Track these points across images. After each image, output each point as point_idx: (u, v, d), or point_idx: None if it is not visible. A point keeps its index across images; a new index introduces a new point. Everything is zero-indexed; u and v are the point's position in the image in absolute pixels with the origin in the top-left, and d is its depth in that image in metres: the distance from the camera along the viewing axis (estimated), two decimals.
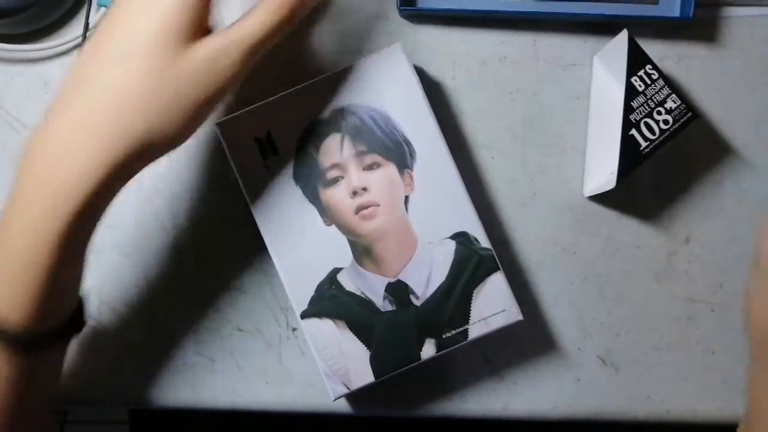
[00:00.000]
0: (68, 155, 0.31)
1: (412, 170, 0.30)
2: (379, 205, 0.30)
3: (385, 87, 0.33)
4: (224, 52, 0.31)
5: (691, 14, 0.44)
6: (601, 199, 0.46)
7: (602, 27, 0.46)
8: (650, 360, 0.46)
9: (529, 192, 0.47)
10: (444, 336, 0.34)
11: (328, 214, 0.32)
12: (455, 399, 0.46)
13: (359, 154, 0.30)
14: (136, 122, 0.31)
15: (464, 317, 0.33)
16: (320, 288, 0.34)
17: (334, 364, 0.33)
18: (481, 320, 0.34)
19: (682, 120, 0.42)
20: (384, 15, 0.47)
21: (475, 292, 0.33)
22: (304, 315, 0.35)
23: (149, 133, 0.31)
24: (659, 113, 0.42)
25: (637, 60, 0.42)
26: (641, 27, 0.46)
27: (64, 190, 0.31)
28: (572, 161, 0.47)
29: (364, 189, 0.30)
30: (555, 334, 0.47)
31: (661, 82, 0.42)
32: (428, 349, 0.34)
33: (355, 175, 0.30)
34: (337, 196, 0.30)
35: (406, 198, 0.30)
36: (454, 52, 0.47)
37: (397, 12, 0.46)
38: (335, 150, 0.30)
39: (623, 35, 0.42)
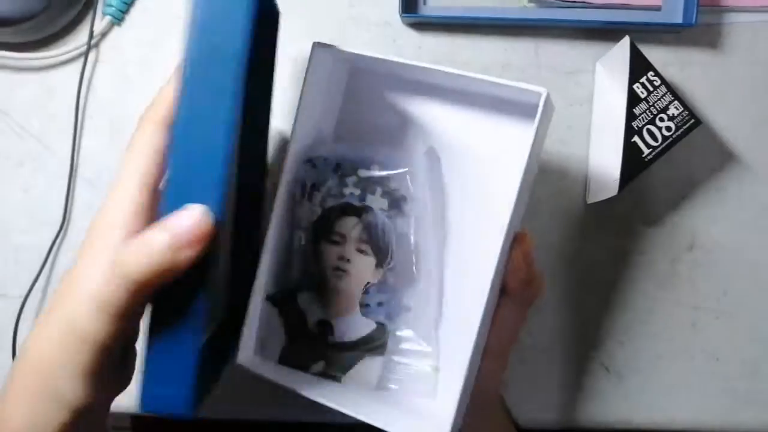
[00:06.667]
0: None
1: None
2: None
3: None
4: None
5: (693, 20, 0.43)
6: (603, 205, 0.46)
7: (605, 34, 0.46)
8: (653, 368, 0.46)
9: (531, 198, 0.46)
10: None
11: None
12: None
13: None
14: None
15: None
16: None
17: None
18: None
19: (684, 126, 0.42)
20: (387, 22, 0.47)
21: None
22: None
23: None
24: (662, 120, 0.42)
25: (639, 67, 0.41)
26: (644, 33, 0.46)
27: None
28: (575, 168, 0.47)
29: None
30: (557, 341, 0.46)
31: (663, 88, 0.41)
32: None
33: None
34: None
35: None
36: (456, 59, 0.47)
37: (400, 19, 0.46)
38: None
39: (625, 42, 0.42)
